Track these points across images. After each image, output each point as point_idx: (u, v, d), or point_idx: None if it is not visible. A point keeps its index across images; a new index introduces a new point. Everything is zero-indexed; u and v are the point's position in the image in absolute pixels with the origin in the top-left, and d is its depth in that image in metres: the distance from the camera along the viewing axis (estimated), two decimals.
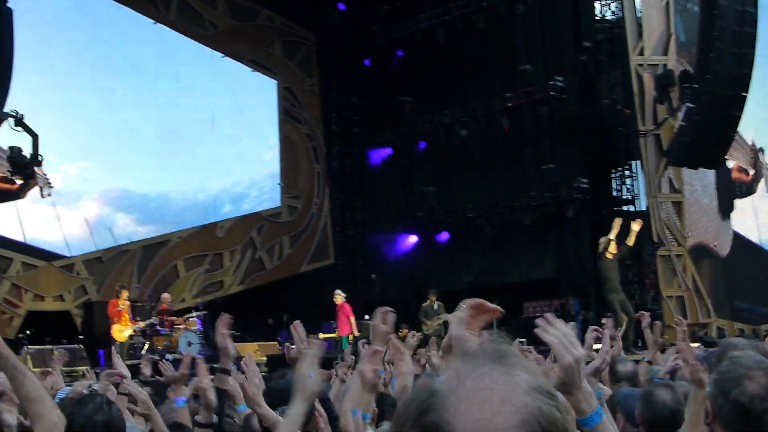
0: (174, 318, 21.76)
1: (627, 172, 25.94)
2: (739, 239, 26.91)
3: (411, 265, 29.69)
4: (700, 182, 25.27)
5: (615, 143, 24.59)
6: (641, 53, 24.22)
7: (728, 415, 3.35)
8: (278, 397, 4.69)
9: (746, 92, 19.70)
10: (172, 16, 27.89)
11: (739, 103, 19.85)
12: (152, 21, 27.36)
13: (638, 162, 24.88)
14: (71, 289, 24.73)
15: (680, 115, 21.97)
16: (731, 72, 19.22)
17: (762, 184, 27.85)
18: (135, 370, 9.43)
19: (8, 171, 20.24)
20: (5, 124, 20.04)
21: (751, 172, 27.41)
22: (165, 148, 27.70)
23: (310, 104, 31.61)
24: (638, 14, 24.71)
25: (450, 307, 21.00)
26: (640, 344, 17.72)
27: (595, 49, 25.15)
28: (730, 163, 26.55)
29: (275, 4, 30.38)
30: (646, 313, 10.30)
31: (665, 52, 24.27)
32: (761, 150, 27.85)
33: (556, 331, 2.83)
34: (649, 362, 8.67)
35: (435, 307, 22.62)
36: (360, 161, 31.87)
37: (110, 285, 24.84)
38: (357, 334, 21.59)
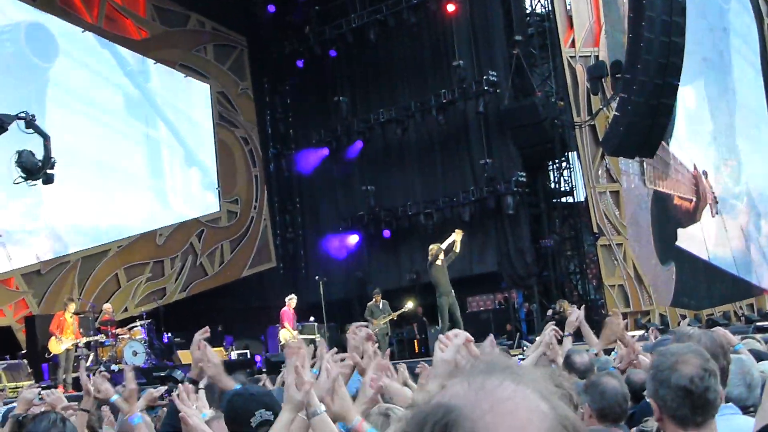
0: (118, 329, 21.65)
1: (564, 164, 26.11)
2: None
3: (354, 265, 29.82)
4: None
5: (551, 135, 24.73)
6: (573, 45, 24.49)
7: (673, 403, 3.44)
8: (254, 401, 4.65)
9: (677, 81, 19.95)
10: (100, 24, 27.59)
11: (670, 92, 20.07)
12: (80, 29, 27.04)
13: (575, 153, 25.05)
14: (11, 303, 24.38)
15: (614, 105, 22.12)
16: (661, 61, 19.43)
17: (707, 209, 27.83)
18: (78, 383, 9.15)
19: (20, 177, 19.43)
20: (15, 126, 19.44)
21: (693, 199, 27.35)
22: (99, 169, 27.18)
23: (244, 108, 31.53)
24: (567, 6, 24.97)
25: (394, 305, 21.64)
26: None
27: (526, 42, 25.32)
28: (669, 191, 26.66)
29: (205, 9, 30.23)
30: (573, 307, 10.17)
31: (596, 43, 24.54)
32: (705, 173, 27.86)
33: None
34: (596, 355, 8.57)
35: (380, 305, 22.57)
36: (297, 163, 31.83)
37: (51, 298, 24.71)
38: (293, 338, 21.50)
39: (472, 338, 3.33)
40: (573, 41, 24.43)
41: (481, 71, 26.12)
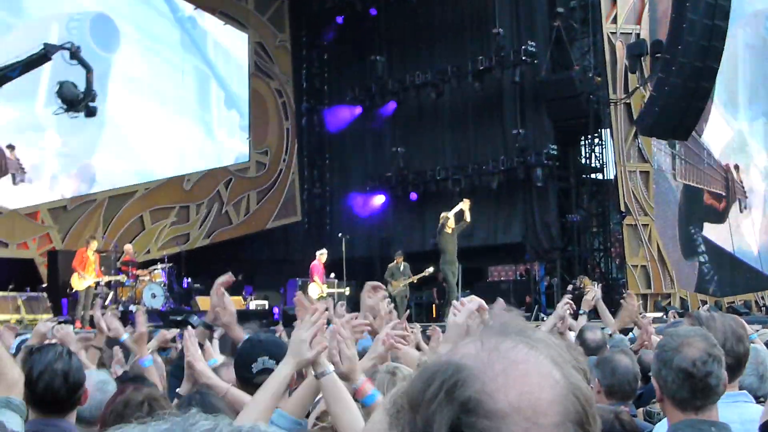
0: (139, 270, 21.74)
1: (596, 140, 25.92)
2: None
3: (378, 226, 29.95)
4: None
5: (585, 110, 24.50)
6: (614, 21, 24.16)
7: (673, 384, 3.45)
8: (259, 348, 4.62)
9: (717, 64, 19.68)
10: None
11: (709, 75, 19.82)
12: None
13: (608, 130, 24.84)
14: (35, 237, 24.53)
15: (651, 84, 21.88)
16: (702, 43, 19.18)
17: (736, 204, 27.29)
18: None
19: (60, 108, 19.27)
20: (58, 57, 19.23)
21: (723, 194, 26.80)
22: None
23: (281, 60, 31.45)
24: None
25: (415, 268, 21.55)
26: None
27: (568, 15, 25.04)
28: (700, 186, 26.20)
29: None
30: (593, 285, 10.05)
31: (638, 21, 24.25)
32: (736, 167, 27.41)
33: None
34: (610, 335, 8.39)
35: (401, 267, 22.53)
36: (329, 119, 31.85)
37: (75, 234, 24.82)
38: (324, 294, 21.64)
39: (486, 306, 3.28)
40: (615, 17, 24.06)
41: (521, 41, 25.91)
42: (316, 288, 22.09)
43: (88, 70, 19.29)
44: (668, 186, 25.07)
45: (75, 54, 19.27)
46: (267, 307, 24.37)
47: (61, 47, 19.24)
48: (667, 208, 24.95)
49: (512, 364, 1.31)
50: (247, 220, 29.89)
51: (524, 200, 26.71)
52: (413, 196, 28.96)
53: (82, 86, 19.29)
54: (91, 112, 19.49)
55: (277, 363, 3.93)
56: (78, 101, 19.02)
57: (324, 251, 22.88)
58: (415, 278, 22.66)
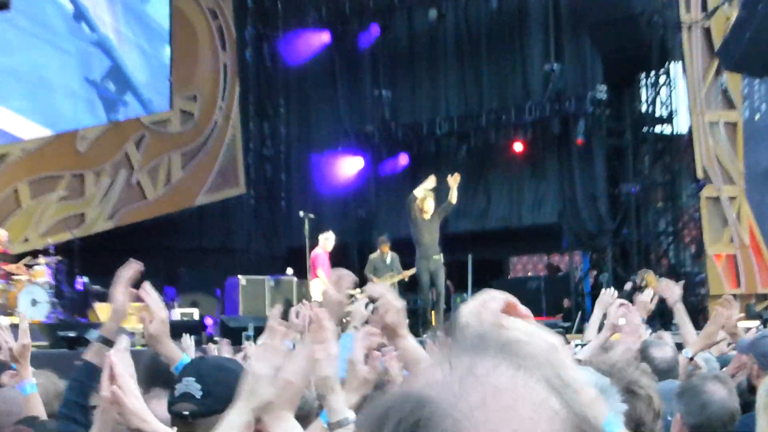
0: (12, 266, 21.42)
1: (662, 79, 26.08)
2: None
3: (355, 201, 30.15)
4: None
5: (646, 37, 24.67)
6: None
7: None
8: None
9: None
10: None
11: None
12: None
13: (679, 64, 25.00)
14: None
15: (739, 1, 22.01)
16: None
17: None
18: None
19: None
20: None
21: None
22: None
23: None
24: None
25: (408, 260, 21.68)
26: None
27: None
28: None
29: None
30: (672, 284, 9.53)
31: None
32: None
33: None
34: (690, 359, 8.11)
35: (388, 260, 22.60)
36: (285, 51, 31.65)
37: None
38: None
39: (518, 303, 2.90)
40: None
41: None
42: (320, 286, 21.68)
43: None
44: (765, 143, 24.82)
45: None
46: (197, 317, 24.04)
47: None
48: (765, 174, 24.74)
49: (494, 393, 1.33)
50: (168, 194, 29.48)
51: (560, 164, 26.87)
52: (403, 158, 29.00)
53: None
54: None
55: (205, 391, 4.11)
56: None
57: (330, 235, 23.00)
58: (406, 274, 22.50)
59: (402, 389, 1.38)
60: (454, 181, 20.69)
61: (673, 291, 8.98)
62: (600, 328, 8.15)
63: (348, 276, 5.34)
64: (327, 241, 22.81)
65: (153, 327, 5.44)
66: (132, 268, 5.53)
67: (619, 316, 7.54)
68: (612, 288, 8.90)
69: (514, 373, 1.34)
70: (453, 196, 20.74)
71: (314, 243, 23.44)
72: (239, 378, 3.89)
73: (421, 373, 1.38)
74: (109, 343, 5.37)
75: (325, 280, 21.61)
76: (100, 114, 28.58)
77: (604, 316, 8.26)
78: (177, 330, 19.11)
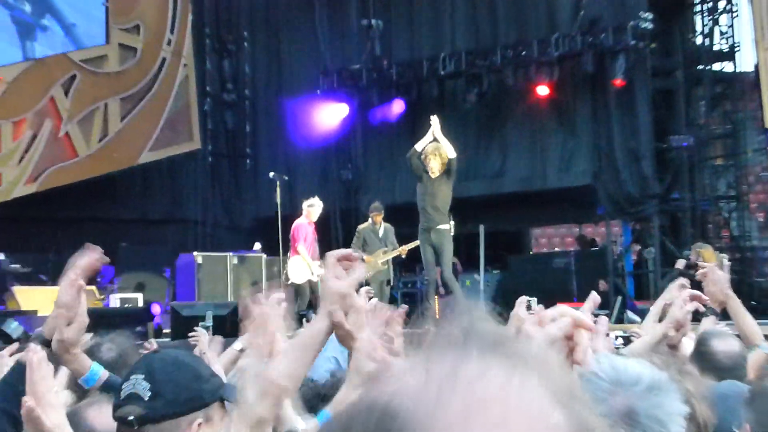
0: None
1: (720, 5, 25.57)
2: None
3: (338, 158, 29.81)
4: None
5: None
6: None
7: None
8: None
9: None
10: None
11: None
12: None
13: None
14: None
15: None
16: None
17: None
18: None
19: None
20: None
21: None
22: None
23: None
24: None
25: (405, 232, 22.19)
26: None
27: None
28: None
29: None
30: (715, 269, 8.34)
31: None
32: None
33: None
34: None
35: (380, 232, 22.01)
36: None
37: None
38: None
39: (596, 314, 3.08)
40: None
41: None
42: (301, 266, 22.04)
43: None
44: None
45: None
46: (141, 304, 23.26)
47: None
48: None
49: (480, 402, 1.30)
50: (105, 150, 28.47)
51: (594, 112, 26.00)
52: (399, 104, 28.04)
53: None
54: None
55: (154, 391, 4.12)
56: None
57: (316, 201, 22.57)
58: (404, 250, 22.04)
59: (368, 397, 1.31)
60: (435, 125, 20.40)
61: (718, 278, 8.00)
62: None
63: (352, 256, 4.71)
64: (312, 208, 22.42)
65: (71, 332, 5.19)
66: (91, 257, 5.30)
67: (687, 311, 6.98)
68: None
69: (506, 379, 1.29)
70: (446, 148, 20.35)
71: (288, 211, 23.28)
72: (196, 376, 4.14)
73: (392, 378, 1.33)
74: (48, 344, 5.32)
75: (307, 258, 22.00)
76: (14, 44, 27.39)
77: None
78: (116, 320, 18.51)
